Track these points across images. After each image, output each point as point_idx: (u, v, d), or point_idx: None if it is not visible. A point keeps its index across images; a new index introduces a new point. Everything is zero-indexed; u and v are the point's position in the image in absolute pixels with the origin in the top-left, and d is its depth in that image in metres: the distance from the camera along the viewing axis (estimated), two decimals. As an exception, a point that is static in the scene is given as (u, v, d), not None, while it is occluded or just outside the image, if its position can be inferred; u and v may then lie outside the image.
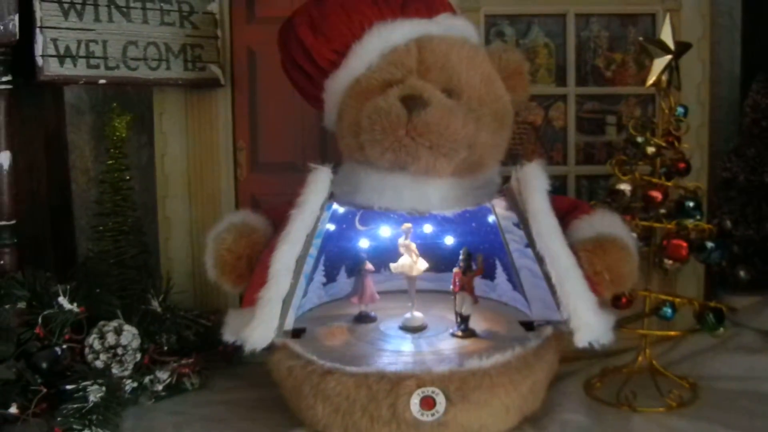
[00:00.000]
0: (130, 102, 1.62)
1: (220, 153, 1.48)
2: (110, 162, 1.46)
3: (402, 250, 1.22)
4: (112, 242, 1.44)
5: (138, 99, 1.63)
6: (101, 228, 1.45)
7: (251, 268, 1.11)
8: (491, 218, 1.22)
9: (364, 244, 1.28)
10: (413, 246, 1.22)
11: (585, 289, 1.04)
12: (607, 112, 1.48)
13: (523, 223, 1.09)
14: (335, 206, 1.16)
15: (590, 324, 1.03)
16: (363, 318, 1.25)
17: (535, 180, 1.08)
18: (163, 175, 1.49)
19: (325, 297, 1.32)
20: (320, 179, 1.10)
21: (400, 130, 1.01)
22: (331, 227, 1.23)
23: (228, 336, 1.08)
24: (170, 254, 1.50)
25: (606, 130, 1.48)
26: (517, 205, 1.10)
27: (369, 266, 1.25)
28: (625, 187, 1.22)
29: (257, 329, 1.04)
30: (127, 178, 1.47)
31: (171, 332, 1.30)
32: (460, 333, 1.16)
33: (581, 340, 1.02)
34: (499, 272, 1.31)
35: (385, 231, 1.28)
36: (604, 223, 1.09)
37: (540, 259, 1.06)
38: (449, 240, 1.29)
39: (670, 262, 1.22)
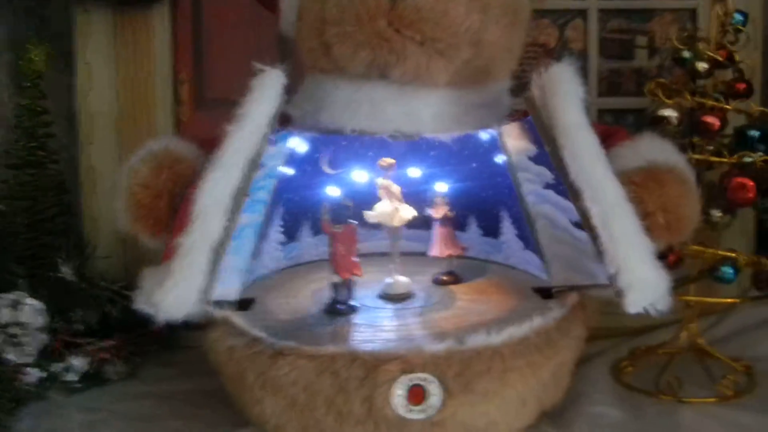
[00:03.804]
0: (53, 35, 1.42)
1: (157, 88, 1.33)
2: (26, 102, 1.28)
3: (381, 193, 1.03)
4: (25, 200, 1.26)
5: (64, 31, 1.43)
6: (11, 182, 1.27)
7: (175, 211, 0.92)
8: (499, 158, 1.02)
9: (334, 192, 1.07)
10: (396, 188, 1.03)
11: (640, 232, 0.82)
12: (637, 31, 1.31)
13: (550, 144, 0.86)
14: (293, 144, 0.98)
15: (648, 281, 0.81)
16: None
17: (566, 85, 0.85)
18: (87, 116, 1.33)
19: (285, 261, 1.13)
20: (269, 84, 0.87)
21: (379, 18, 0.83)
22: (290, 171, 1.05)
23: (140, 303, 0.87)
24: (94, 213, 1.33)
25: (635, 54, 1.31)
26: (540, 121, 0.88)
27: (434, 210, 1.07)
28: (670, 113, 1.03)
29: (173, 290, 0.82)
30: (47, 122, 1.28)
31: (89, 307, 1.15)
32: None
33: (634, 302, 0.81)
34: (506, 226, 1.11)
35: (360, 175, 1.07)
36: (654, 149, 0.91)
37: (575, 193, 0.83)
38: (441, 187, 1.09)
39: (719, 213, 1.05)
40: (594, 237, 0.82)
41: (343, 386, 0.82)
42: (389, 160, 1.02)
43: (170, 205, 0.93)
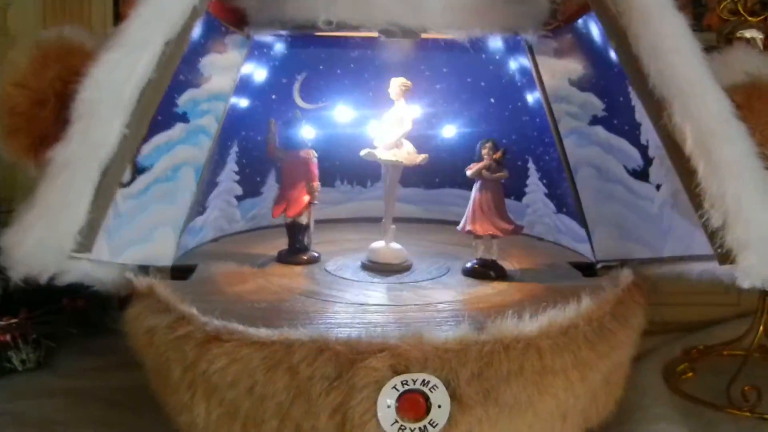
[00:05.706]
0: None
1: (93, 2, 1.19)
2: (-65, 20, 1.13)
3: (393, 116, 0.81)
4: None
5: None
6: None
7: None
8: (531, 95, 0.84)
9: (308, 132, 0.86)
10: (409, 118, 0.80)
11: (758, 164, 0.59)
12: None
13: (618, 37, 0.63)
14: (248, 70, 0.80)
15: None
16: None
17: None
18: (7, 38, 1.19)
19: (243, 221, 0.95)
20: None
21: None
22: (245, 102, 0.86)
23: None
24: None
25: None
26: (602, 6, 0.65)
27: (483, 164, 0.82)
28: (754, 34, 0.89)
29: (35, 228, 0.59)
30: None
31: (-14, 275, 1.01)
32: None
33: (751, 270, 0.59)
34: (533, 182, 0.91)
35: (344, 111, 0.88)
36: (752, 62, 0.72)
37: (656, 106, 0.59)
38: (449, 131, 0.92)
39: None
40: (684, 172, 0.59)
41: (304, 389, 0.60)
42: (403, 81, 0.81)
43: (60, 115, 0.67)
